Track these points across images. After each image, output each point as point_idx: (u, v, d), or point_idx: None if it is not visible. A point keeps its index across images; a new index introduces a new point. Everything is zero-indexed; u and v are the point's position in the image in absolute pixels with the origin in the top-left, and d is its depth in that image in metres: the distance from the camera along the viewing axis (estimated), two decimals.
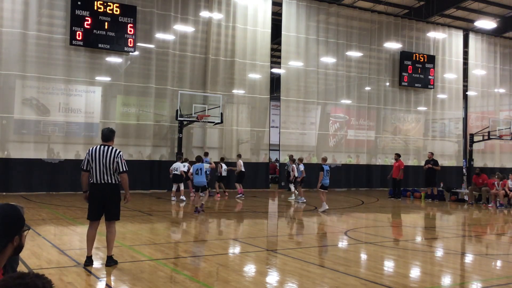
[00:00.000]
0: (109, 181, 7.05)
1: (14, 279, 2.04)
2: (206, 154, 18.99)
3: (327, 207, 15.02)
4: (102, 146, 7.17)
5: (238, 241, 10.16)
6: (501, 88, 30.92)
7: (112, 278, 6.68)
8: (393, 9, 27.92)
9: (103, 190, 7.05)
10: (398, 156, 21.51)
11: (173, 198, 16.82)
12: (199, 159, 14.44)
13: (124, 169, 7.10)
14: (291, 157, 21.01)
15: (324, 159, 16.18)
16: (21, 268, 6.51)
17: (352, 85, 26.52)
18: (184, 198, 16.80)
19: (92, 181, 7.11)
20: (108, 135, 7.29)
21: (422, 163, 28.00)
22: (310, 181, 24.56)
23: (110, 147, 7.16)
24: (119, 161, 7.06)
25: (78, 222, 11.62)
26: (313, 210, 16.15)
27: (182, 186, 16.93)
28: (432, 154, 21.87)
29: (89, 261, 7.03)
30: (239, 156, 20.45)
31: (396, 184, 21.11)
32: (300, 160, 19.24)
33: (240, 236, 11.09)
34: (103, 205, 7.11)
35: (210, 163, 16.17)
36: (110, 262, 7.05)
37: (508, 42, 30.76)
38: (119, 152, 7.14)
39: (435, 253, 9.61)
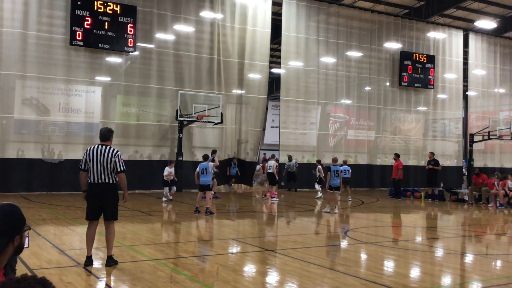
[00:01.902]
0: (107, 181, 7.03)
1: (12, 283, 2.04)
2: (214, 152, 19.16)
3: (329, 211, 14.86)
4: (100, 146, 7.16)
5: (238, 241, 10.16)
6: (501, 88, 30.90)
7: (112, 278, 6.68)
8: (393, 9, 27.92)
9: (100, 190, 7.04)
10: (397, 156, 21.52)
11: (164, 199, 16.92)
12: (205, 158, 14.20)
13: (122, 169, 7.07)
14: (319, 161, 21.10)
15: (334, 160, 15.78)
16: (21, 268, 6.52)
17: (352, 85, 26.52)
18: (164, 199, 16.87)
19: (89, 181, 7.10)
20: (106, 135, 7.26)
21: (422, 163, 28.08)
22: (305, 181, 24.57)
23: (108, 147, 7.14)
24: (117, 160, 7.03)
25: (78, 222, 11.61)
26: (313, 210, 16.16)
27: (166, 190, 17.08)
28: (432, 154, 21.80)
29: (89, 261, 7.03)
30: (272, 156, 20.14)
31: (395, 184, 21.15)
32: (345, 162, 19.44)
33: (240, 236, 11.09)
34: (101, 205, 7.09)
35: (214, 161, 16.22)
36: (110, 262, 7.04)
37: (508, 42, 30.75)
38: (117, 151, 7.11)
39: (435, 253, 9.61)
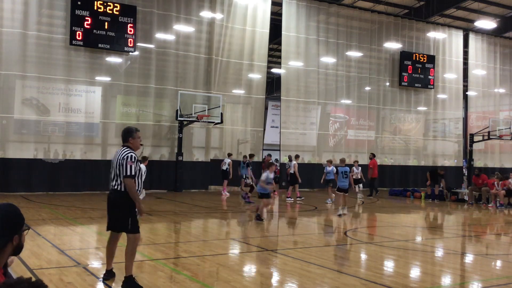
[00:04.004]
0: (116, 187, 6.15)
1: (7, 286, 2.03)
2: (229, 155, 19.58)
3: (341, 213, 14.08)
4: (119, 148, 6.44)
5: (238, 241, 10.15)
6: (501, 88, 30.91)
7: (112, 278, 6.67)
8: (393, 9, 27.92)
9: (110, 196, 6.29)
10: (372, 155, 21.91)
11: None
12: (344, 162, 13.47)
13: (127, 173, 6.03)
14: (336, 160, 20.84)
15: (342, 161, 15.35)
16: (21, 268, 6.52)
17: (352, 85, 26.53)
18: None
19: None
20: (123, 136, 6.42)
21: (422, 163, 28.10)
22: (305, 181, 24.53)
23: (123, 148, 6.29)
24: (124, 163, 6.05)
25: (78, 222, 11.62)
26: (313, 210, 16.14)
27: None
28: (443, 172, 21.29)
29: (108, 275, 6.38)
30: (296, 157, 19.62)
31: (370, 182, 21.47)
32: (330, 162, 18.70)
33: (240, 236, 11.09)
34: (111, 214, 6.36)
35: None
36: (108, 276, 6.38)
37: (508, 42, 30.76)
38: (128, 153, 6.13)
39: (435, 253, 9.61)
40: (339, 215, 13.92)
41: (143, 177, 6.68)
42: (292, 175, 18.67)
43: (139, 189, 6.27)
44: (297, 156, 19.56)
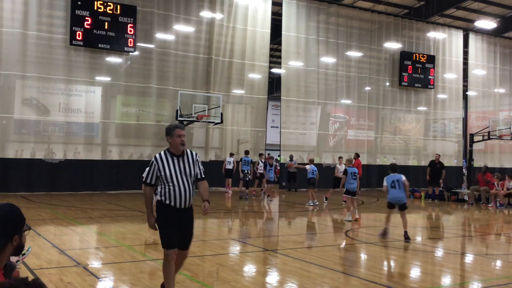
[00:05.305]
0: None
1: (6, 286, 2.04)
2: (231, 154, 19.97)
3: (350, 218, 13.04)
4: None
5: (238, 241, 10.15)
6: (501, 88, 30.91)
7: (112, 278, 6.68)
8: (393, 9, 27.92)
9: None
10: (356, 155, 21.71)
11: None
12: (393, 169, 11.14)
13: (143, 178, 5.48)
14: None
15: (350, 161, 14.29)
16: (21, 268, 6.51)
17: (352, 85, 26.53)
18: None
19: None
20: None
21: (422, 163, 28.08)
22: (305, 181, 24.57)
23: None
24: None
25: (78, 222, 11.62)
26: (313, 210, 16.14)
27: None
28: (439, 155, 21.61)
29: None
30: (340, 158, 18.69)
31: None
32: (311, 161, 17.77)
33: (240, 236, 11.09)
34: None
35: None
36: None
37: (508, 42, 30.75)
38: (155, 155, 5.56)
39: (435, 253, 9.61)
40: (350, 220, 12.93)
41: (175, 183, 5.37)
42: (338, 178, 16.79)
43: (173, 197, 5.24)
44: (340, 158, 18.57)
